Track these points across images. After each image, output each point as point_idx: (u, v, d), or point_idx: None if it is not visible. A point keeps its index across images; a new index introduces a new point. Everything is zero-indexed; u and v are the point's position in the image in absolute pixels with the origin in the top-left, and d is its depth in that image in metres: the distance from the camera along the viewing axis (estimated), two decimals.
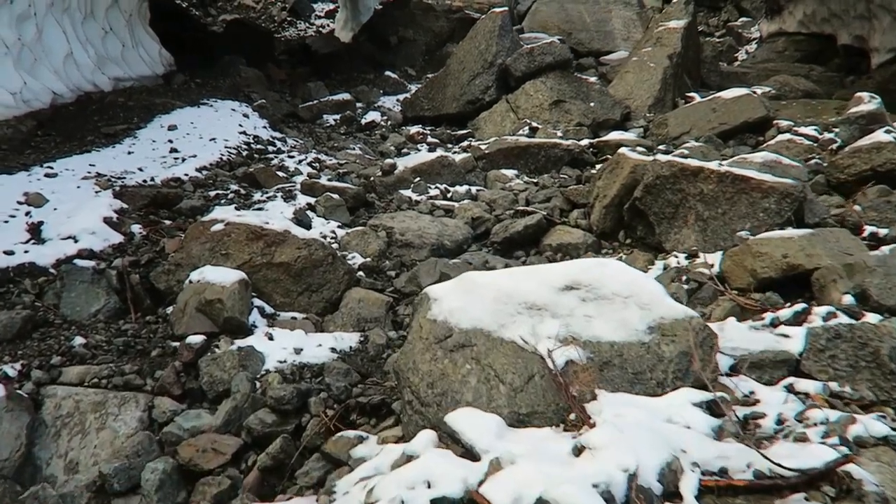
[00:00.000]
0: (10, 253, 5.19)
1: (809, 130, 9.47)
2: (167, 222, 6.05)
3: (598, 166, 8.42)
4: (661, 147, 8.00)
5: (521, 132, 9.42)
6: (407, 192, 7.37)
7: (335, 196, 6.47)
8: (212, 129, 8.85)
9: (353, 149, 9.24)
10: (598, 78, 13.64)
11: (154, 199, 6.34)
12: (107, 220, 5.66)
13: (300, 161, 8.17)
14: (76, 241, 5.39)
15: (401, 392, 3.31)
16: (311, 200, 6.51)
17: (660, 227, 5.76)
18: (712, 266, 4.87)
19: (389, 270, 5.71)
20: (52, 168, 6.93)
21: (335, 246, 5.86)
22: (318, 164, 8.20)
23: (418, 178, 7.55)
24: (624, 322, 3.10)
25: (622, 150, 6.52)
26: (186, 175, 7.16)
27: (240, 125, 9.26)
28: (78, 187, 6.43)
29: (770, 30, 15.90)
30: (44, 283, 4.96)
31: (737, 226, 5.24)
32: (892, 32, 13.40)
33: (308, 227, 6.04)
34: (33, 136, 8.39)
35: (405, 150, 9.51)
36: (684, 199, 5.56)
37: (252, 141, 8.94)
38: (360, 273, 5.53)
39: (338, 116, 11.10)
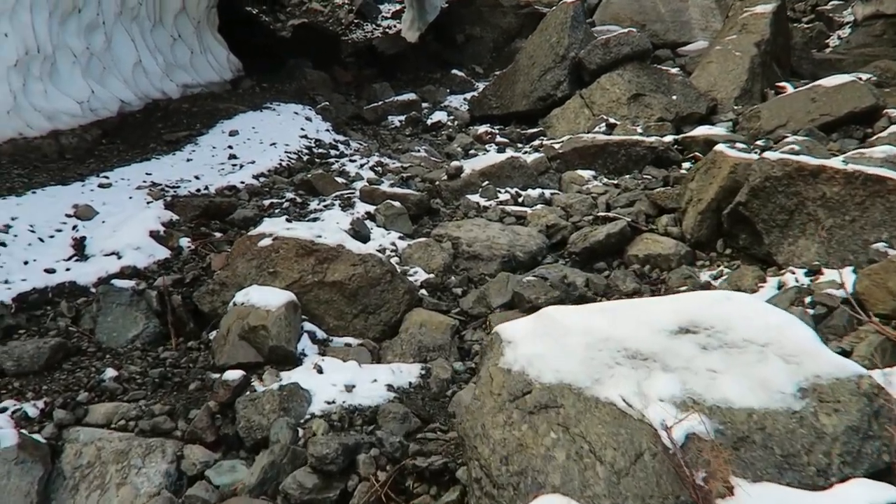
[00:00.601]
0: (50, 271, 4.71)
1: None
2: (217, 235, 5.48)
3: (685, 165, 7.47)
4: (758, 142, 6.96)
5: (597, 129, 8.51)
6: (475, 198, 6.61)
7: (396, 204, 5.77)
8: (273, 134, 8.33)
9: (419, 151, 8.55)
10: (678, 70, 12.54)
11: (206, 209, 5.80)
12: (153, 234, 5.13)
13: (362, 165, 7.53)
14: (119, 258, 4.88)
15: (467, 463, 2.57)
16: (371, 209, 5.83)
17: (769, 237, 4.81)
18: (843, 286, 3.92)
19: (455, 287, 4.96)
20: (107, 178, 6.51)
21: (395, 260, 5.16)
22: (380, 168, 7.54)
23: (487, 182, 6.78)
24: (763, 381, 2.26)
25: (719, 147, 5.58)
26: (242, 182, 6.61)
27: (301, 129, 8.71)
28: (130, 198, 5.96)
29: (865, 13, 14.36)
30: (82, 304, 4.45)
31: (870, 236, 4.26)
32: None
33: (366, 238, 5.37)
34: (97, 145, 8.06)
35: (473, 151, 8.76)
36: (801, 203, 4.60)
37: (314, 145, 8.37)
38: (423, 291, 4.81)
39: (403, 117, 10.44)
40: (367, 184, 6.39)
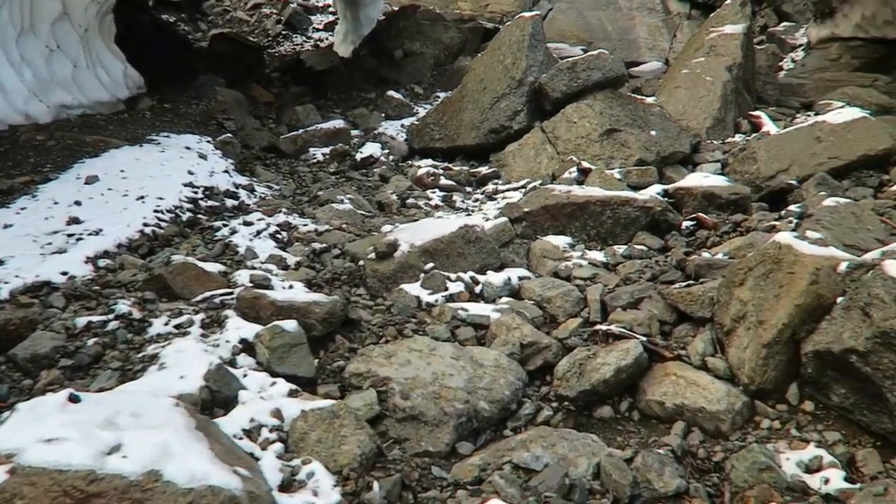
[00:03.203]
0: None
1: None
2: None
3: (686, 225, 5.29)
4: (794, 211, 4.78)
5: (568, 174, 6.25)
6: (414, 289, 4.23)
7: (289, 326, 3.31)
8: (146, 182, 5.72)
9: (342, 201, 6.10)
10: (633, 93, 10.46)
11: None
12: None
13: (260, 231, 5.04)
14: None
15: None
16: (250, 333, 3.35)
17: None
18: None
19: None
20: None
21: (277, 449, 2.72)
22: (285, 234, 5.07)
23: (431, 265, 4.41)
24: None
25: (784, 238, 3.35)
26: (65, 273, 4.02)
27: (189, 172, 6.12)
28: None
29: (820, 35, 12.62)
30: None
31: None
32: None
33: (229, 402, 2.91)
34: None
35: (412, 200, 6.38)
36: None
37: (202, 195, 5.81)
38: None
39: (328, 150, 7.95)
40: (250, 283, 3.89)
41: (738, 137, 8.45)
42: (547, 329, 4.02)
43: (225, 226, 5.12)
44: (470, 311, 3.99)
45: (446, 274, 4.37)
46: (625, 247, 4.92)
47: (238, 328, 3.37)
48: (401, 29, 12.53)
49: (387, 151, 7.92)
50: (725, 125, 8.72)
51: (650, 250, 4.95)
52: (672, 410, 3.26)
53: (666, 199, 5.75)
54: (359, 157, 7.69)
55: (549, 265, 4.77)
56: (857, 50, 11.99)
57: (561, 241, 5.13)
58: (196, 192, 5.79)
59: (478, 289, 4.36)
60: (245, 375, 3.09)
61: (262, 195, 6.38)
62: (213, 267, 4.12)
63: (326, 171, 7.52)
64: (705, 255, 4.28)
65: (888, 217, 5.15)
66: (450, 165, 7.46)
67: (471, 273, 4.46)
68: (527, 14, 7.64)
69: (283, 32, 14.04)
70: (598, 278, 4.43)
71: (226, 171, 6.55)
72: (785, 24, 13.67)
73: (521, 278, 4.50)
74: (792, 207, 4.72)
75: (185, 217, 5.32)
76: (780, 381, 3.18)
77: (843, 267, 3.17)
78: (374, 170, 7.43)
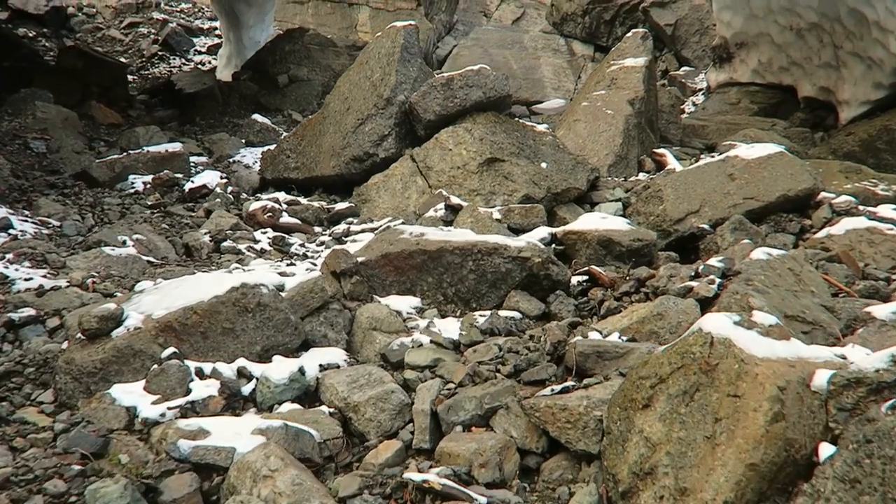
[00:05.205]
0: None
1: (885, 211, 5.13)
2: None
3: (575, 279, 3.72)
4: (715, 266, 3.27)
5: (433, 211, 4.65)
6: (130, 394, 2.42)
7: None
8: None
9: (124, 243, 4.24)
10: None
11: None
12: None
13: None
14: None
15: None
16: None
17: None
18: None
19: None
20: None
21: None
22: None
23: (172, 350, 2.62)
24: None
25: (718, 325, 1.79)
26: None
27: None
28: None
29: (719, 79, 11.87)
30: None
31: None
32: (866, 82, 9.50)
33: None
34: None
35: (228, 243, 4.57)
36: None
37: None
38: None
39: (150, 178, 6.05)
40: None
41: (641, 176, 7.20)
42: (349, 456, 2.32)
43: None
44: (207, 440, 2.21)
45: (196, 365, 2.59)
46: (489, 314, 3.29)
47: None
48: (287, 53, 10.84)
49: (226, 181, 6.10)
50: (628, 162, 7.45)
51: (524, 318, 3.34)
52: None
53: (553, 245, 4.23)
54: (188, 187, 5.82)
55: (380, 343, 3.08)
56: (754, 95, 11.28)
57: (406, 303, 3.46)
58: None
59: (247, 389, 2.60)
60: None
61: (21, 234, 4.42)
62: None
63: (143, 203, 5.62)
64: (593, 334, 2.68)
65: (825, 272, 3.82)
66: (299, 199, 5.72)
67: (241, 361, 2.69)
68: (399, 23, 6.11)
69: (160, 53, 12.06)
70: (441, 367, 2.77)
71: None
72: (685, 68, 12.92)
73: (323, 368, 2.77)
74: (713, 262, 3.25)
75: None
76: None
77: (820, 381, 1.65)
78: (204, 203, 5.60)
